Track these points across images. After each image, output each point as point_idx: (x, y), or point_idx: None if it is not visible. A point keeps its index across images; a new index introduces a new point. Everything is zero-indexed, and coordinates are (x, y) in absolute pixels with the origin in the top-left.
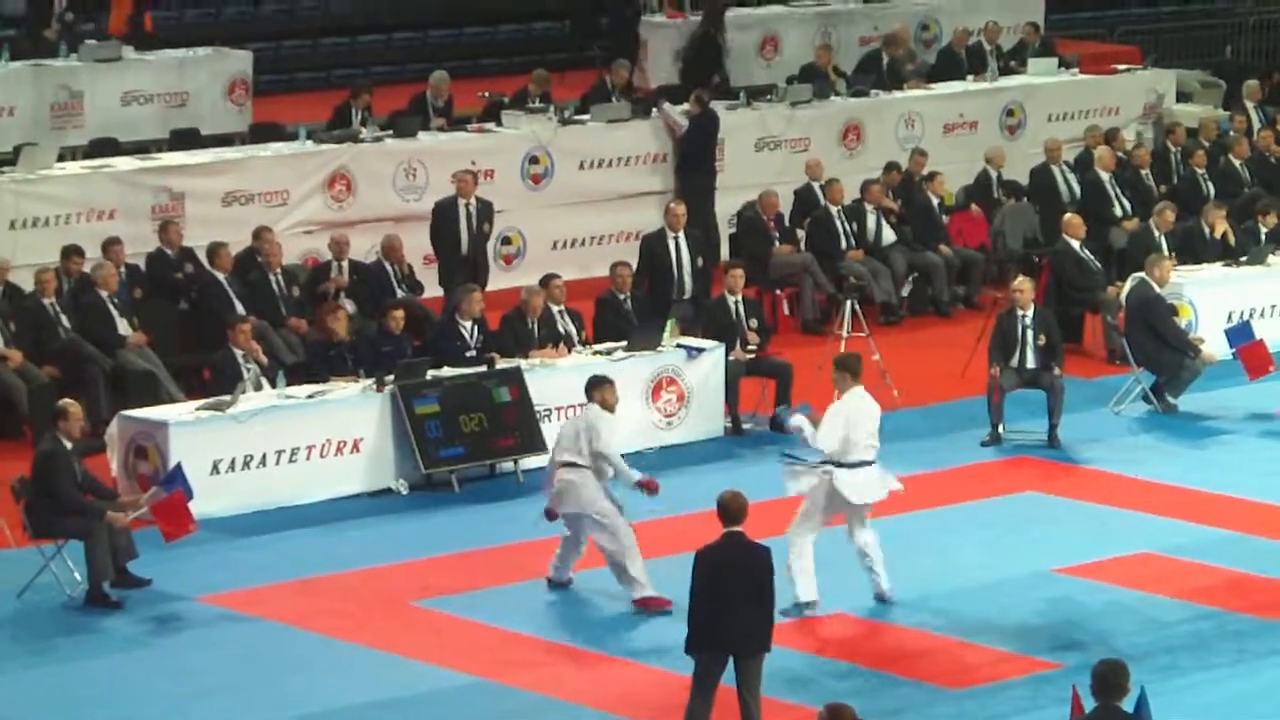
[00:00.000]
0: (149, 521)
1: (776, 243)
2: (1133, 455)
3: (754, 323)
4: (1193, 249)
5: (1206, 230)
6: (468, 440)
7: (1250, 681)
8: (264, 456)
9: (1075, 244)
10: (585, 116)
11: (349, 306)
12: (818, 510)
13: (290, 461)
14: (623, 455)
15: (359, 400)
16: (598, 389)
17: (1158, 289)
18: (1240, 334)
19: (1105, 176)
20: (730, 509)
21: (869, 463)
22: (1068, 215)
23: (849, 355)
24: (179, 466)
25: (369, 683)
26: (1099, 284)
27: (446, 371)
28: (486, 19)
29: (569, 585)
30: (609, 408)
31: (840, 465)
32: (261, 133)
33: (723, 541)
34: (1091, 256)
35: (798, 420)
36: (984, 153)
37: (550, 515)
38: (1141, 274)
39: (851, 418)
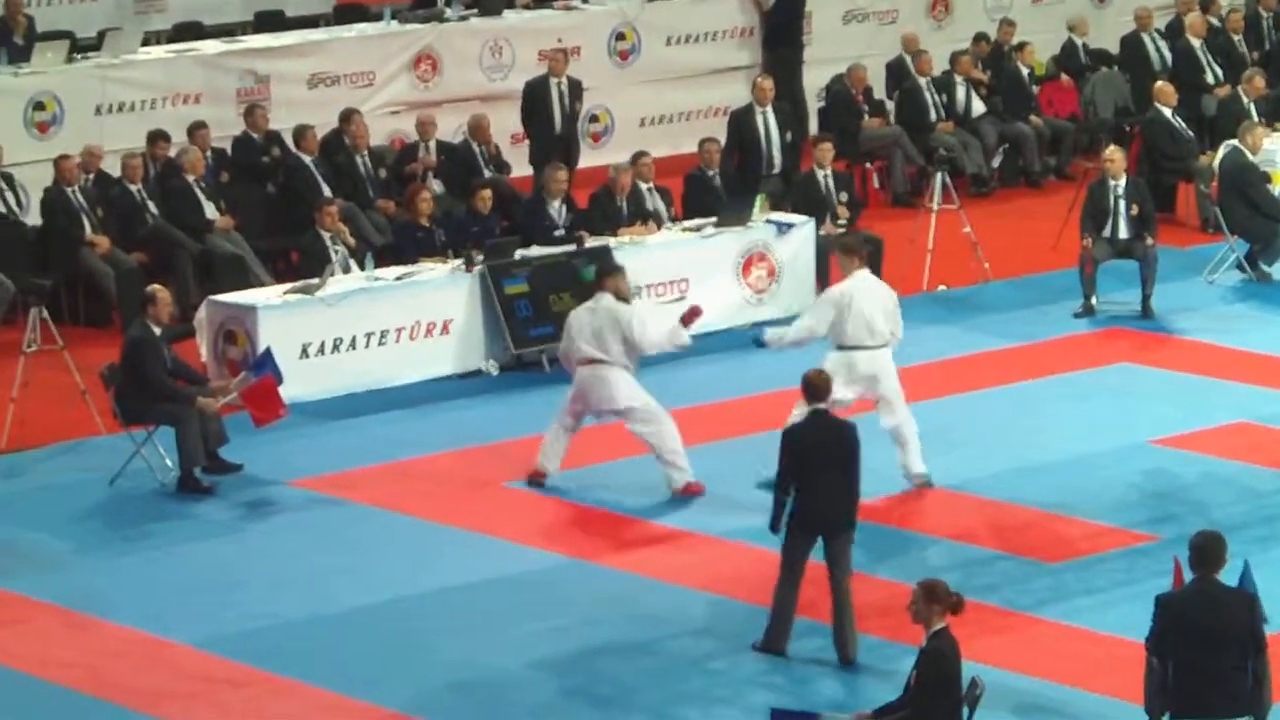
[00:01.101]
0: (239, 407)
1: (865, 116)
2: (1227, 325)
3: (844, 196)
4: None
5: None
6: (558, 319)
7: None
8: (353, 339)
9: (1167, 112)
10: None
11: (436, 187)
12: None
13: (379, 344)
14: (713, 332)
15: (447, 281)
16: (610, 277)
17: (1251, 156)
18: None
19: (1196, 43)
20: (816, 386)
21: (870, 349)
22: (1159, 83)
23: (850, 235)
24: (268, 351)
25: (462, 564)
26: (1191, 152)
27: (535, 251)
28: None
29: (546, 479)
30: (623, 297)
31: (836, 350)
32: (346, 14)
33: (809, 420)
34: (1184, 125)
35: (769, 333)
36: (1066, 21)
37: (576, 416)
38: (1234, 141)
39: (844, 301)
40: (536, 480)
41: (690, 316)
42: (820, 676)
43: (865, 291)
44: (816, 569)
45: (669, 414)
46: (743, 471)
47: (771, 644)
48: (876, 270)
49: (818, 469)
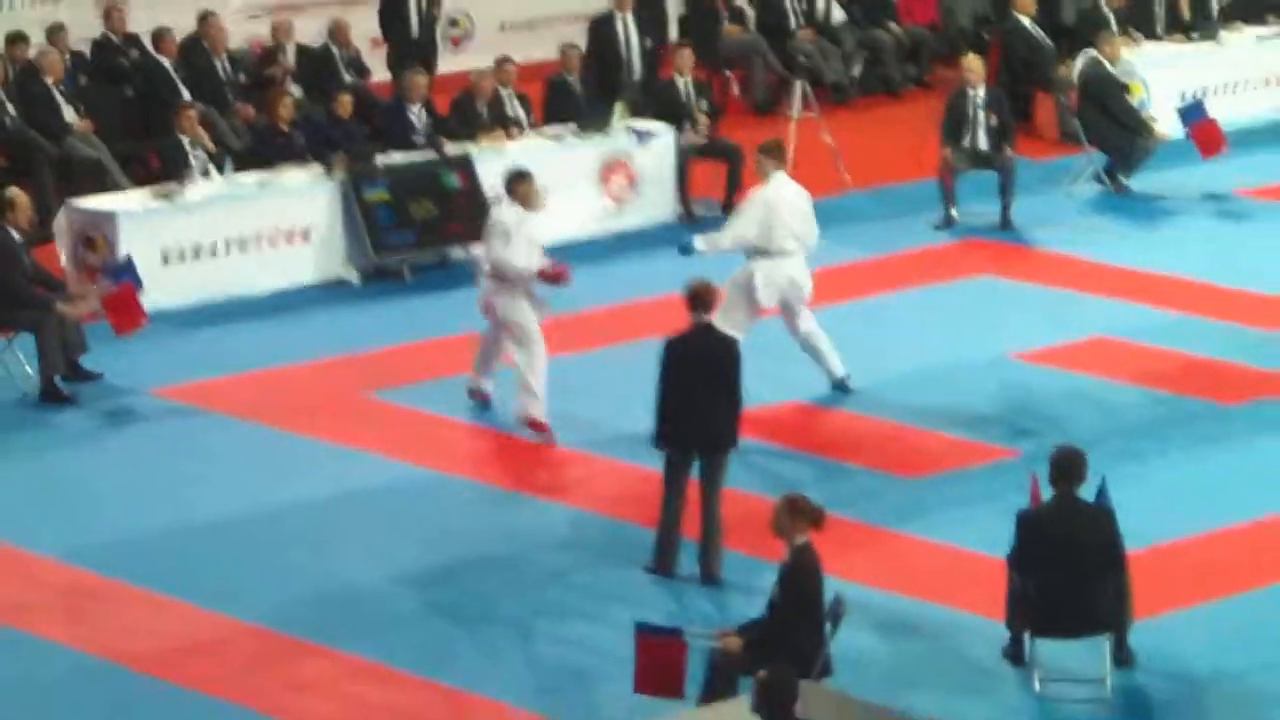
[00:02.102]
0: (99, 315)
1: (725, 23)
2: (1086, 236)
3: (704, 104)
4: (1142, 24)
5: (1157, 4)
6: (418, 227)
7: (1205, 464)
8: (214, 246)
9: (1026, 21)
10: None
11: (296, 92)
12: (742, 304)
13: (241, 251)
14: (574, 242)
15: (308, 188)
16: (519, 183)
17: (1109, 67)
18: (1193, 112)
19: None
20: (701, 297)
21: (791, 254)
22: None
23: (771, 140)
24: (129, 258)
25: (325, 476)
26: (1050, 61)
27: (396, 158)
28: None
29: (489, 398)
30: (530, 205)
31: (762, 256)
32: None
33: (691, 332)
34: (1043, 34)
35: (698, 241)
36: None
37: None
38: (1093, 52)
39: (771, 205)
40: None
41: (553, 275)
42: (684, 593)
43: (787, 195)
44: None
45: (542, 340)
46: (612, 384)
47: (660, 565)
48: (736, 180)
49: (699, 384)
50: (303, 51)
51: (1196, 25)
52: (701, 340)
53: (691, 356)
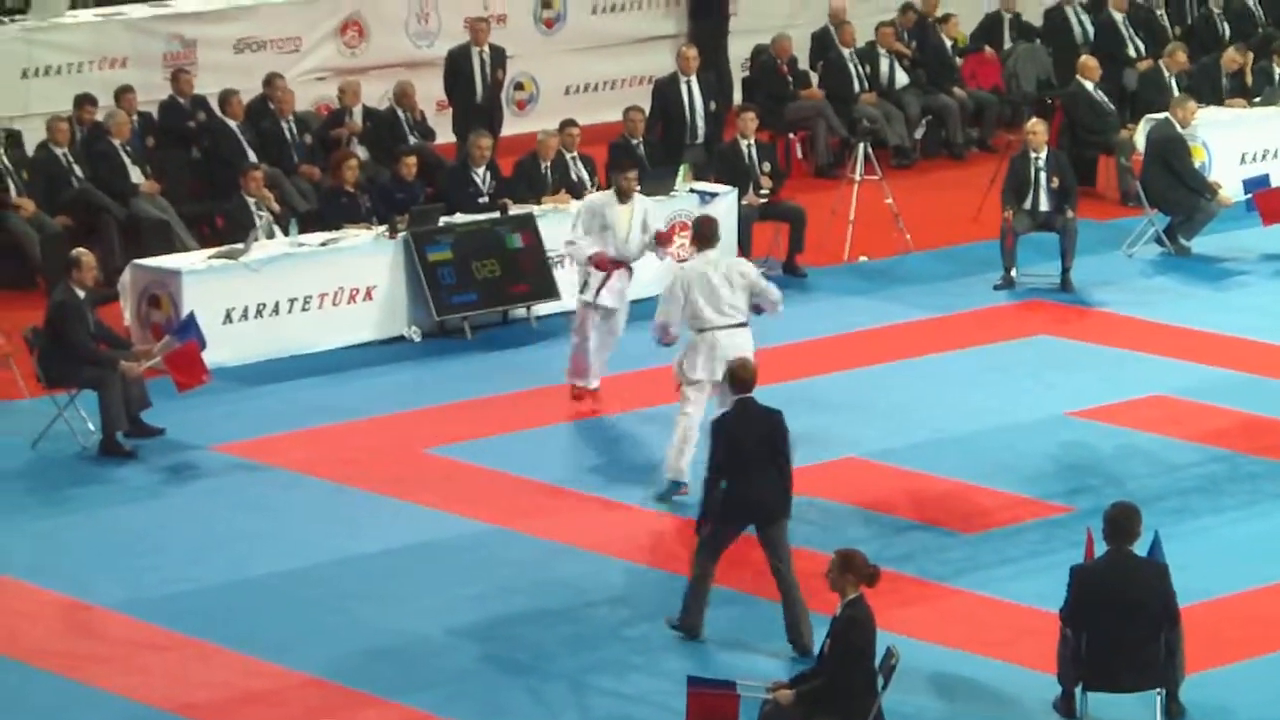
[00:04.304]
0: (162, 371)
1: (792, 87)
2: (1145, 298)
3: (767, 167)
4: (1206, 89)
5: (1224, 72)
6: (481, 287)
7: (1263, 523)
8: (277, 305)
9: (1089, 85)
10: None
11: (361, 153)
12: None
13: (303, 310)
14: (636, 300)
15: (372, 247)
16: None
17: (1180, 129)
18: (1258, 181)
19: (1119, 17)
20: (739, 376)
21: (732, 326)
22: (1083, 57)
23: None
24: (191, 316)
25: (383, 530)
26: (1112, 126)
27: (459, 218)
28: None
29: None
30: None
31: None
32: None
33: (737, 409)
34: (1105, 98)
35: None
36: None
37: None
38: (1164, 114)
39: (681, 286)
40: None
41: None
42: (735, 645)
43: (706, 271)
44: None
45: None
46: (649, 442)
47: (688, 623)
48: (798, 241)
49: (749, 458)
50: (368, 114)
51: (1259, 90)
52: (747, 415)
53: (739, 432)
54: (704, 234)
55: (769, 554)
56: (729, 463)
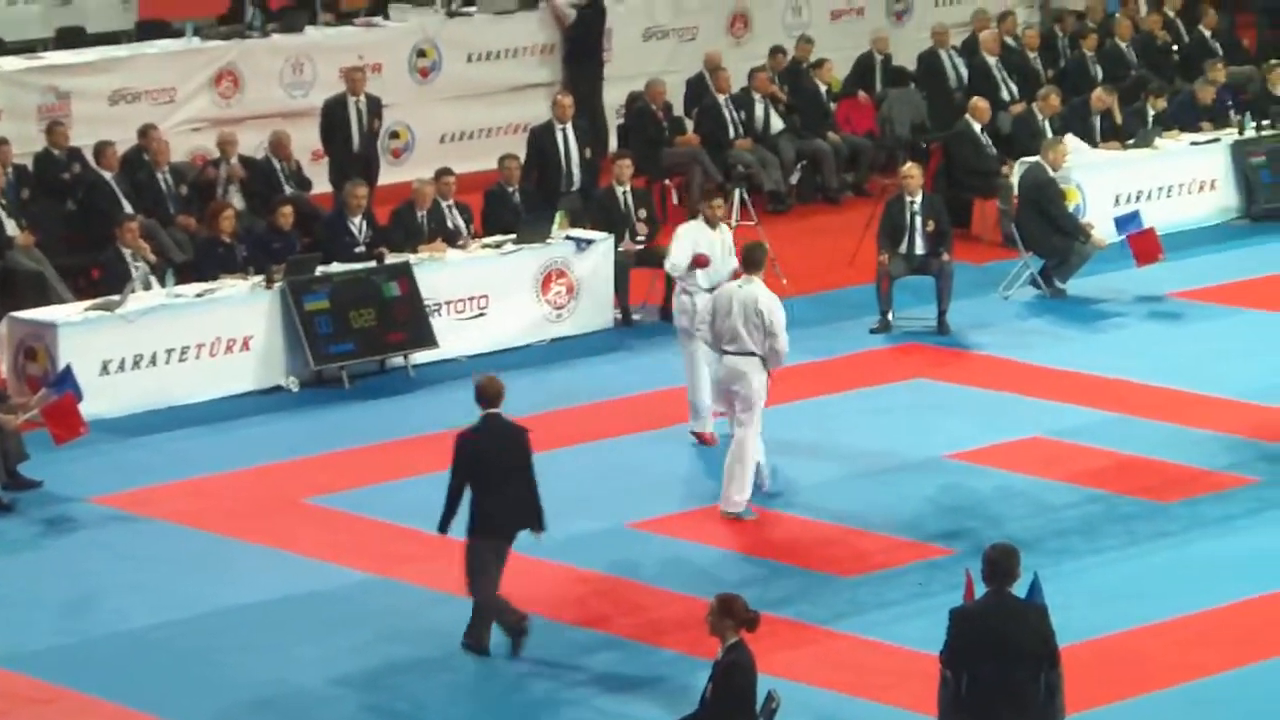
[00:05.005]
0: (40, 423)
1: (665, 132)
2: (1022, 340)
3: (643, 213)
4: (1077, 132)
5: (1092, 112)
6: (358, 336)
7: (1140, 563)
8: (154, 356)
9: (977, 127)
10: (472, 9)
11: (237, 203)
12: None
13: (180, 360)
14: (512, 349)
15: (248, 298)
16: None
17: (1051, 172)
18: (1130, 222)
19: (992, 60)
20: (484, 390)
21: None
22: (974, 98)
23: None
24: (69, 368)
25: (262, 580)
26: (995, 168)
27: (336, 267)
28: None
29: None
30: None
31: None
32: (149, 29)
33: (482, 424)
34: (990, 141)
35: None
36: (861, 37)
37: None
38: (1036, 157)
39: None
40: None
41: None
42: (615, 689)
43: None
44: (618, 584)
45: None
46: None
47: (475, 640)
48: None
49: (494, 473)
50: (245, 163)
51: (1132, 132)
52: (492, 430)
53: (483, 446)
54: (747, 259)
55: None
56: (475, 478)
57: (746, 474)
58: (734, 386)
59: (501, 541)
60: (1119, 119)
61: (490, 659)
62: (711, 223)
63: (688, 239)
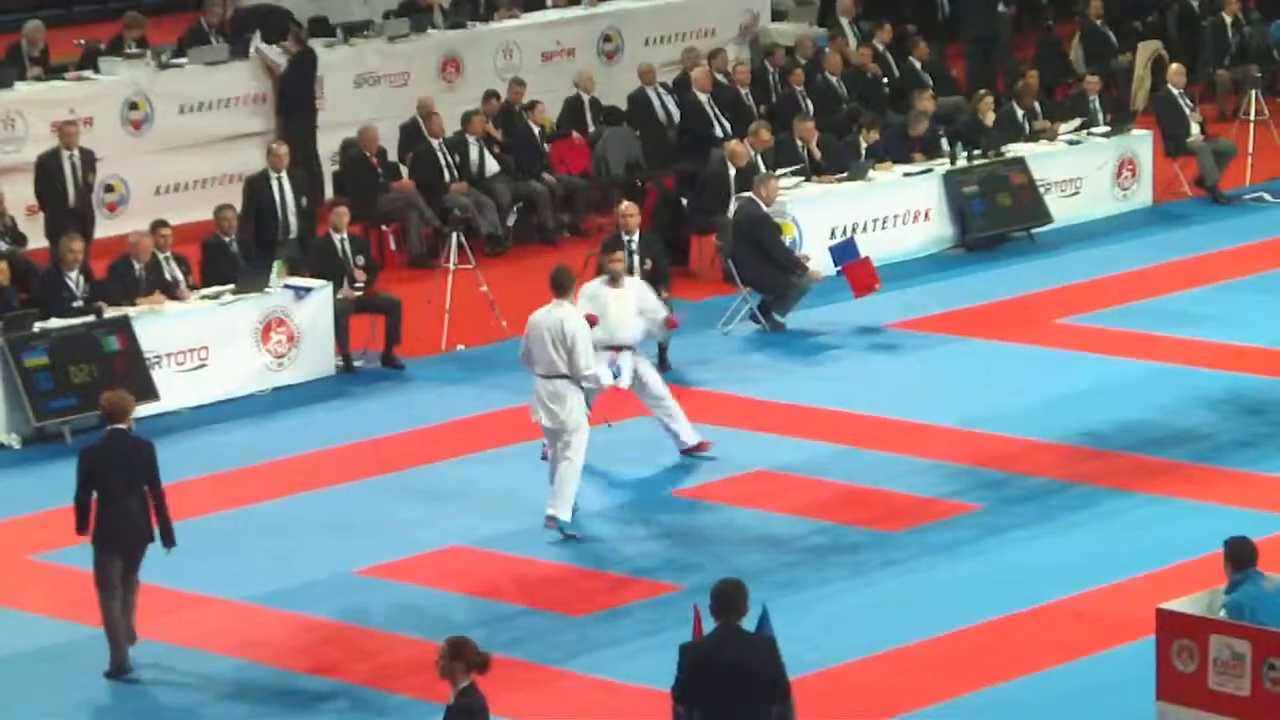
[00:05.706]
0: None
1: (380, 178)
2: (743, 374)
3: (361, 260)
4: (784, 165)
5: (799, 145)
6: (79, 390)
7: (868, 593)
8: None
9: (732, 171)
10: (183, 60)
11: None
12: None
13: None
14: (234, 399)
15: None
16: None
17: (765, 208)
18: (845, 251)
19: (703, 97)
20: (107, 406)
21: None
22: (732, 141)
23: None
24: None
25: None
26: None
27: (54, 323)
28: None
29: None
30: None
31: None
32: None
33: (107, 438)
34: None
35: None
36: (572, 78)
37: None
38: (749, 194)
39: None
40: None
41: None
42: None
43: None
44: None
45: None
46: (272, 538)
47: (117, 667)
48: (396, 333)
49: (115, 488)
50: None
51: (843, 165)
52: (116, 444)
53: (107, 460)
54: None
55: (127, 574)
56: (98, 490)
57: (570, 491)
58: (552, 406)
59: (120, 557)
60: (818, 151)
61: (217, 706)
62: (615, 279)
63: (586, 302)
